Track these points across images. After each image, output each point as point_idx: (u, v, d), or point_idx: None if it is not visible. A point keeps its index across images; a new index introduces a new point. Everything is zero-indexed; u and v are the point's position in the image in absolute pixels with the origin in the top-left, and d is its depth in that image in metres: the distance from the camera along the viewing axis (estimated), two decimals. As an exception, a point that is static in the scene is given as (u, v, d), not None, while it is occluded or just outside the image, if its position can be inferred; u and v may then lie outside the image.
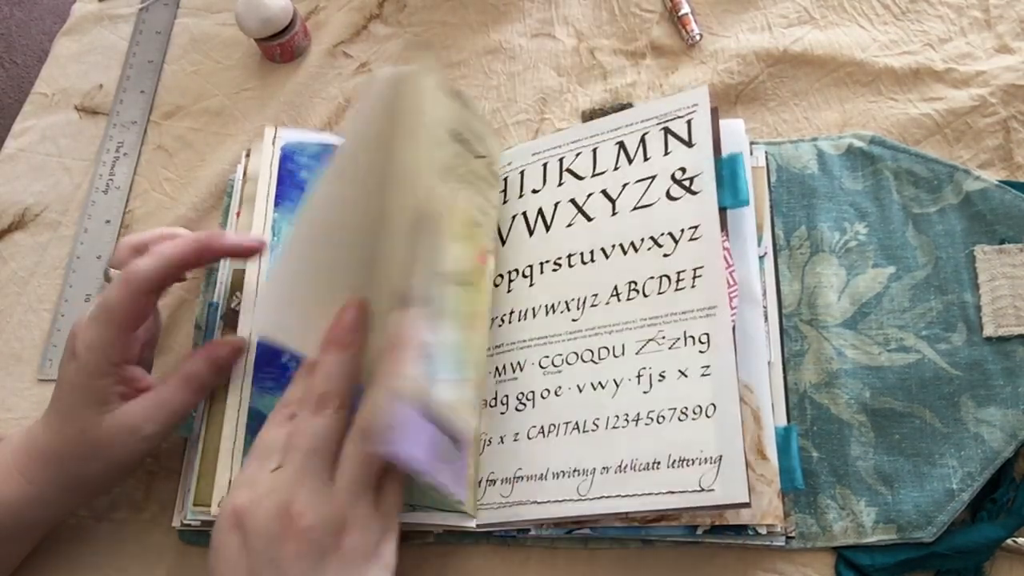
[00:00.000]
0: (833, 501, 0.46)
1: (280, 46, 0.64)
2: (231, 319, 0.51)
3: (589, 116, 0.53)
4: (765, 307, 0.49)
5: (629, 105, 0.58)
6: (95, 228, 0.61)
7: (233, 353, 0.49)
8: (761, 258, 0.50)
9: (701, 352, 0.45)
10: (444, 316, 0.44)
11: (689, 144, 0.50)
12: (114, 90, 0.66)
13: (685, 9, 0.60)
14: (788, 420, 0.47)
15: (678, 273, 0.47)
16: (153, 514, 0.51)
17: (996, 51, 0.56)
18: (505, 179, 0.55)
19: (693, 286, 0.47)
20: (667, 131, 0.51)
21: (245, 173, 0.55)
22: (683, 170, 0.50)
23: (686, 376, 0.45)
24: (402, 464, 0.39)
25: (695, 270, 0.47)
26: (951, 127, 0.54)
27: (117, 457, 0.45)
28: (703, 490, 0.43)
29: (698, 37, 0.60)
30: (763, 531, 0.44)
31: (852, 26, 0.58)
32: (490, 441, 0.49)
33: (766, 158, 0.54)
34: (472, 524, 0.47)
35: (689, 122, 0.51)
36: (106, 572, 0.50)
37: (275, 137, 0.56)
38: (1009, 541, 0.44)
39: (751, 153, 0.53)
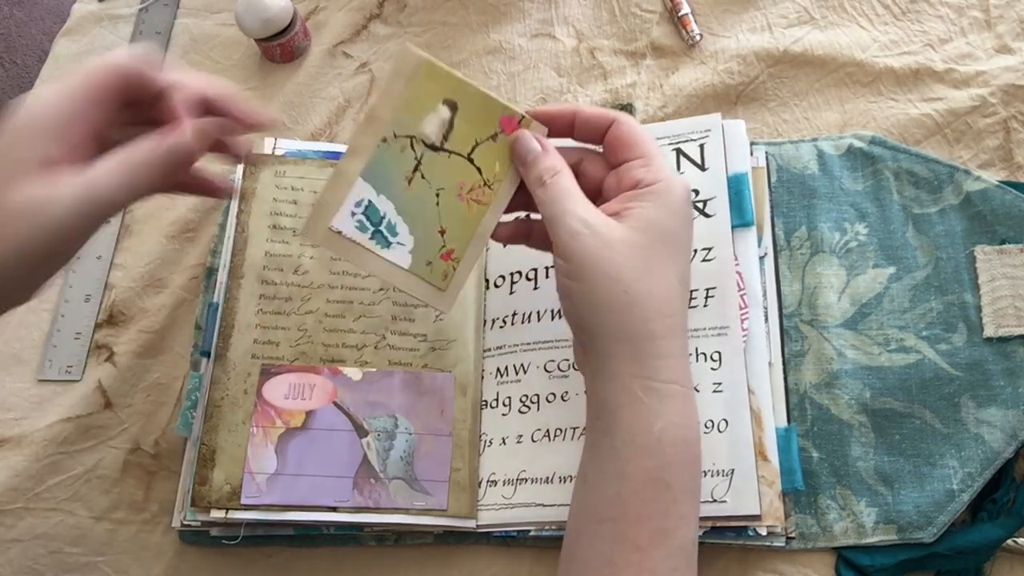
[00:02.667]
0: (833, 502, 0.46)
1: (280, 46, 0.64)
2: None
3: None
4: (765, 307, 0.49)
5: (630, 106, 0.58)
6: (95, 228, 0.60)
7: (210, 131, 0.40)
8: (761, 259, 0.50)
9: (713, 369, 0.46)
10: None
11: (702, 168, 0.51)
12: (114, 90, 0.66)
13: (685, 9, 0.60)
14: (788, 421, 0.47)
15: (691, 292, 0.48)
16: (153, 514, 0.51)
17: (996, 51, 0.56)
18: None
19: (706, 305, 0.47)
20: (679, 152, 0.51)
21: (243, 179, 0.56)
22: (696, 192, 0.50)
23: (698, 392, 0.45)
24: None
25: (708, 290, 0.48)
26: (951, 127, 0.54)
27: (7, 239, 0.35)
28: (715, 501, 0.43)
29: (698, 37, 0.60)
30: (763, 532, 0.44)
31: (852, 26, 0.58)
32: (491, 442, 0.49)
33: (766, 158, 0.54)
34: (472, 524, 0.47)
35: (702, 146, 0.51)
36: (106, 572, 0.50)
37: (274, 147, 0.56)
38: (1009, 541, 0.44)
39: (751, 154, 0.53)
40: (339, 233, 0.43)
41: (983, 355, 0.47)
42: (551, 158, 0.43)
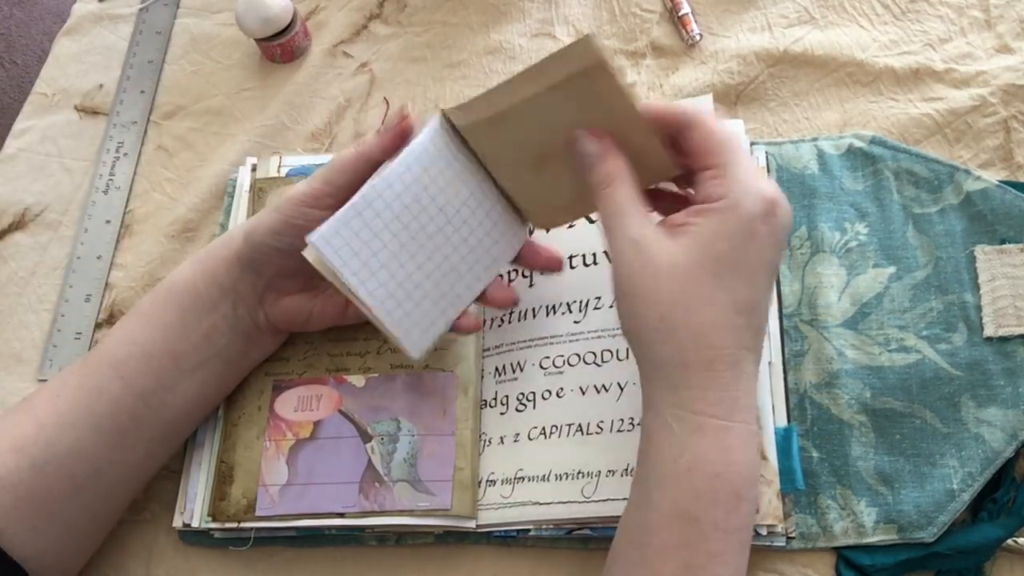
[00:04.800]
0: (834, 501, 0.46)
1: (280, 46, 0.64)
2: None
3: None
4: (765, 307, 0.49)
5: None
6: (95, 228, 0.60)
7: None
8: (761, 258, 0.50)
9: None
10: None
11: None
12: (114, 90, 0.66)
13: (685, 9, 0.60)
14: (788, 420, 0.47)
15: None
16: (153, 514, 0.51)
17: (996, 51, 0.56)
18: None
19: None
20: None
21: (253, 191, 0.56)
22: None
23: None
24: None
25: None
26: (951, 127, 0.54)
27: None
28: None
29: (698, 37, 0.60)
30: (764, 531, 0.44)
31: (852, 26, 0.58)
32: (490, 441, 0.49)
33: (766, 158, 0.54)
34: (472, 524, 0.47)
35: None
36: (105, 572, 0.50)
37: (279, 166, 0.57)
38: (1009, 541, 0.44)
39: (751, 154, 0.53)
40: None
41: (983, 355, 0.47)
42: (607, 164, 0.40)
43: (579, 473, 0.46)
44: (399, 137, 0.44)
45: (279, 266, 0.46)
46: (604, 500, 0.45)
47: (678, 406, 0.37)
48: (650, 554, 0.37)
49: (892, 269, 0.50)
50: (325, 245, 0.42)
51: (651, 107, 0.40)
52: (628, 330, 0.39)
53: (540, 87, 0.40)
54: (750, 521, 0.38)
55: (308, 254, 0.43)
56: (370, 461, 0.48)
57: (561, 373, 0.49)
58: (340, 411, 0.49)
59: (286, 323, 0.49)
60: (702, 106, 0.50)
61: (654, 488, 0.37)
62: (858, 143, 0.53)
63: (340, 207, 0.43)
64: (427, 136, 0.44)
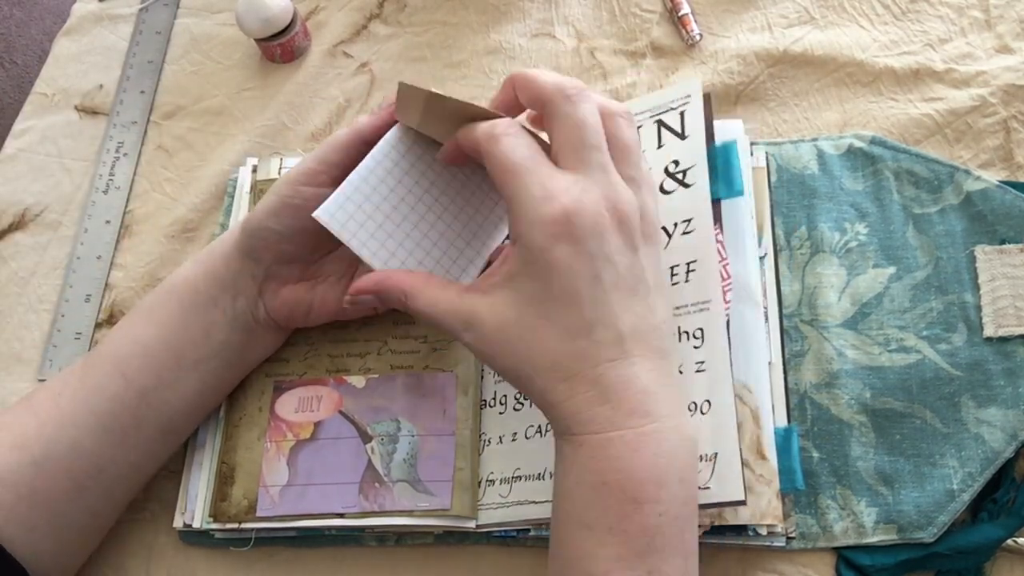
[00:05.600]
0: (834, 501, 0.46)
1: (280, 46, 0.64)
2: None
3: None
4: (765, 307, 0.49)
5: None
6: (95, 228, 0.60)
7: None
8: (761, 258, 0.50)
9: (696, 348, 0.45)
10: None
11: (682, 136, 0.49)
12: (114, 90, 0.66)
13: (685, 9, 0.60)
14: (789, 420, 0.47)
15: (671, 268, 0.47)
16: (153, 514, 0.51)
17: (996, 51, 0.56)
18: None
19: (687, 280, 0.46)
20: (660, 124, 0.50)
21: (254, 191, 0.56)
22: (676, 163, 0.49)
23: (681, 372, 0.45)
24: None
25: (688, 264, 0.46)
26: (951, 127, 0.54)
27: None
28: (699, 488, 0.42)
29: (698, 37, 0.60)
30: (763, 531, 0.44)
31: (852, 26, 0.58)
32: (489, 441, 0.49)
33: (766, 158, 0.54)
34: (472, 525, 0.47)
35: (682, 114, 0.49)
36: (105, 572, 0.50)
37: (280, 168, 0.57)
38: (1009, 541, 0.44)
39: (751, 154, 0.52)
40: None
41: (983, 355, 0.47)
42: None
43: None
44: (394, 116, 0.45)
45: (277, 251, 0.46)
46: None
47: (561, 433, 0.39)
48: (561, 565, 0.38)
49: (892, 269, 0.50)
50: (330, 218, 0.43)
51: (460, 134, 0.41)
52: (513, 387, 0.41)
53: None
54: (664, 520, 0.37)
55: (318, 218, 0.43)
56: (370, 461, 0.48)
57: None
58: (340, 412, 0.49)
59: (287, 316, 0.49)
60: (690, 88, 0.50)
61: (556, 504, 0.39)
62: (858, 143, 0.53)
63: (337, 185, 0.43)
64: None
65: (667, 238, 0.47)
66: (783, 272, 0.51)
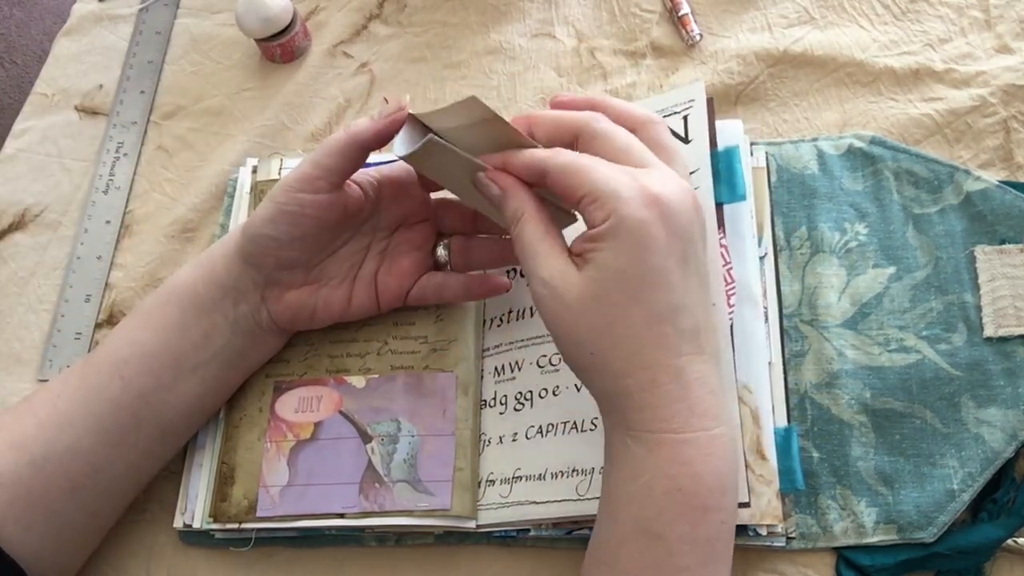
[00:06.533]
0: (834, 501, 0.46)
1: (280, 46, 0.64)
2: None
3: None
4: (765, 307, 0.49)
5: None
6: (95, 228, 0.60)
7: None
8: (761, 258, 0.50)
9: None
10: None
11: (686, 140, 0.50)
12: (114, 90, 0.66)
13: (685, 9, 0.60)
14: (789, 420, 0.47)
15: None
16: (153, 514, 0.51)
17: (996, 51, 0.56)
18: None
19: None
20: None
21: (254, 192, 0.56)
22: None
23: None
24: None
25: None
26: (951, 127, 0.54)
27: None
28: None
29: (698, 37, 0.60)
30: (763, 532, 0.44)
31: (852, 26, 0.58)
32: (489, 441, 0.49)
33: (766, 158, 0.54)
34: (472, 525, 0.47)
35: (686, 118, 0.50)
36: (105, 572, 0.50)
37: (280, 168, 0.57)
38: (1009, 541, 0.44)
39: (751, 154, 0.53)
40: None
41: (983, 355, 0.47)
42: (513, 200, 0.40)
43: (573, 471, 0.46)
44: (394, 124, 0.43)
45: (277, 257, 0.46)
46: (597, 498, 0.44)
47: (631, 428, 0.37)
48: (618, 572, 0.37)
49: (892, 269, 0.50)
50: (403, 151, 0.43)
51: (510, 159, 0.41)
52: (570, 367, 0.40)
53: (454, 123, 0.41)
54: (723, 529, 0.37)
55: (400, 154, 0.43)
56: (370, 462, 0.48)
57: (557, 371, 0.49)
58: (340, 412, 0.49)
59: (290, 320, 0.48)
60: (694, 93, 0.50)
61: (617, 507, 0.37)
62: (858, 143, 0.53)
63: (333, 190, 0.44)
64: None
65: None
66: (783, 272, 0.51)
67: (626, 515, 0.37)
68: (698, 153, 0.49)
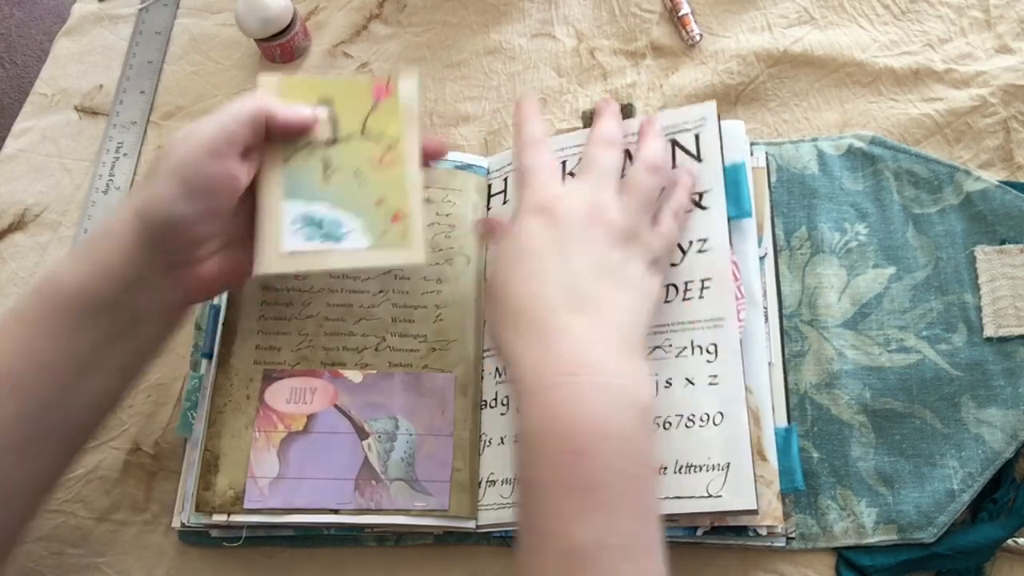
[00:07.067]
0: (834, 502, 0.46)
1: (280, 46, 0.64)
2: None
3: (589, 117, 0.53)
4: (765, 308, 0.49)
5: (630, 105, 0.58)
6: (95, 228, 0.60)
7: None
8: (761, 259, 0.50)
9: (709, 362, 0.45)
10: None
11: (698, 158, 0.50)
12: (114, 90, 0.66)
13: (685, 9, 0.60)
14: (789, 421, 0.47)
15: (686, 283, 0.47)
16: (153, 514, 0.51)
17: (996, 51, 0.56)
18: (505, 179, 0.55)
19: (701, 297, 0.47)
20: (675, 143, 0.51)
21: None
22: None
23: (693, 384, 0.45)
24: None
25: (703, 281, 0.47)
26: (951, 127, 0.54)
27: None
28: (710, 496, 0.43)
29: (698, 37, 0.60)
30: (763, 532, 0.44)
31: (852, 26, 0.58)
32: (490, 442, 0.49)
33: (766, 158, 0.54)
34: (471, 525, 0.47)
35: (697, 136, 0.50)
36: (107, 573, 0.50)
37: None
38: (1010, 541, 0.44)
39: (751, 154, 0.52)
40: (292, 253, 0.44)
41: (983, 355, 0.47)
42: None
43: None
44: (303, 117, 0.45)
45: (190, 237, 0.42)
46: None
47: (511, 383, 0.41)
48: (522, 531, 0.38)
49: (892, 269, 0.50)
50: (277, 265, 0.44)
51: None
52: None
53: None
54: (609, 476, 0.36)
55: (280, 266, 0.44)
56: (366, 458, 0.48)
57: None
58: (336, 406, 0.49)
59: (205, 293, 0.46)
60: (705, 111, 0.50)
61: (517, 463, 0.41)
62: (858, 143, 0.53)
63: (246, 160, 0.43)
64: None
65: (681, 255, 0.48)
66: (783, 272, 0.51)
67: (519, 474, 0.39)
68: (711, 173, 0.49)
